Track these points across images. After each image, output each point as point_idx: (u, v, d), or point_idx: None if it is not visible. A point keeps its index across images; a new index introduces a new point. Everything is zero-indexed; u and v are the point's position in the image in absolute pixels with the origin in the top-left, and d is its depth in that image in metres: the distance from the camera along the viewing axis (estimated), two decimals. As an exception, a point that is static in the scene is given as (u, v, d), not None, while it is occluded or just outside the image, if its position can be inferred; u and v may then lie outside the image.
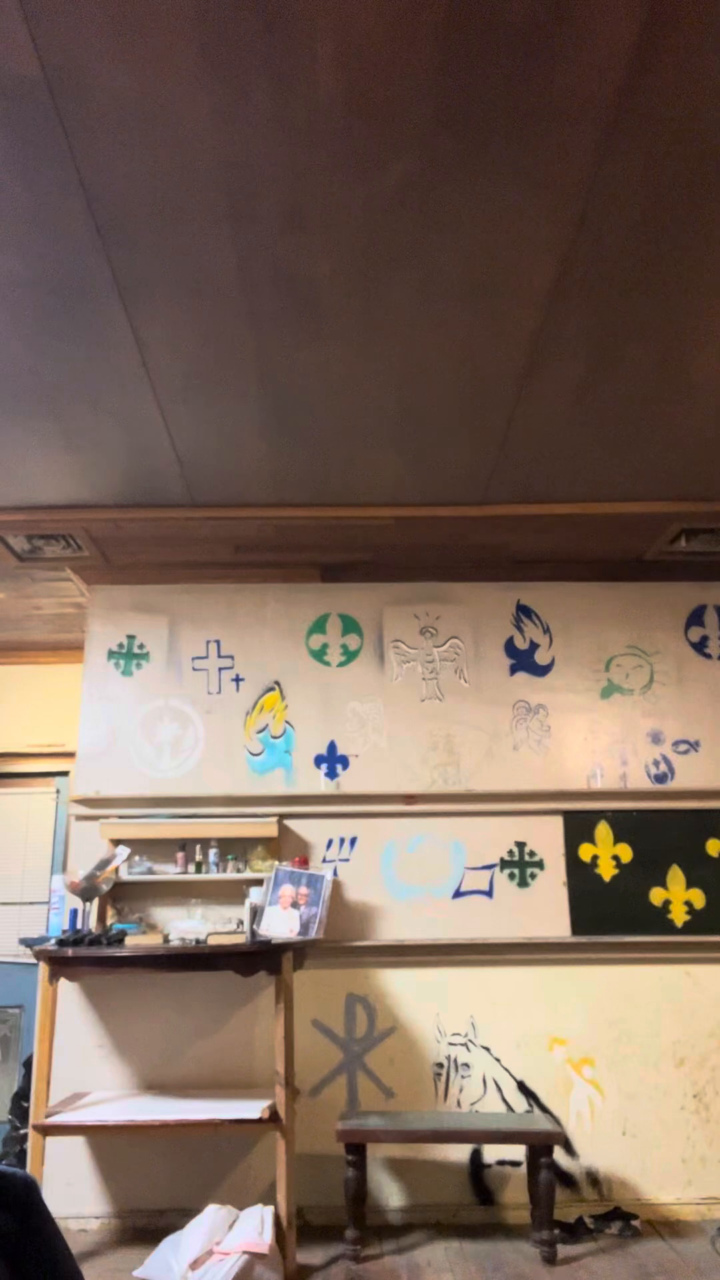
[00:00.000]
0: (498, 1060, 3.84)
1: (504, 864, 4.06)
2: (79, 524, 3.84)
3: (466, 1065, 3.84)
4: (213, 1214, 3.19)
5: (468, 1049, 3.85)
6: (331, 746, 4.21)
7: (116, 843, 3.91)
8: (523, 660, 4.35)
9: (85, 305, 2.55)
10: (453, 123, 1.99)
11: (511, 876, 4.04)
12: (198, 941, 3.50)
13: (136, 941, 3.49)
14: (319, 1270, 3.21)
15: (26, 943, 3.62)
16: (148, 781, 4.15)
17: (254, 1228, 3.11)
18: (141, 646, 4.34)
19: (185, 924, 3.69)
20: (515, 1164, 3.72)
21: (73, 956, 3.37)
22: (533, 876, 4.04)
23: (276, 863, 3.88)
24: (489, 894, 4.02)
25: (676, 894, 4.02)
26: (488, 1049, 3.85)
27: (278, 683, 4.30)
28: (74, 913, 3.79)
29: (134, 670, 4.30)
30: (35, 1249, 1.23)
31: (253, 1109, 3.31)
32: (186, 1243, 3.06)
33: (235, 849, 4.00)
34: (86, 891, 3.72)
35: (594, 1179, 3.73)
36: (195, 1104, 3.44)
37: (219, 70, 1.86)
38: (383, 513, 3.82)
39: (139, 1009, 3.84)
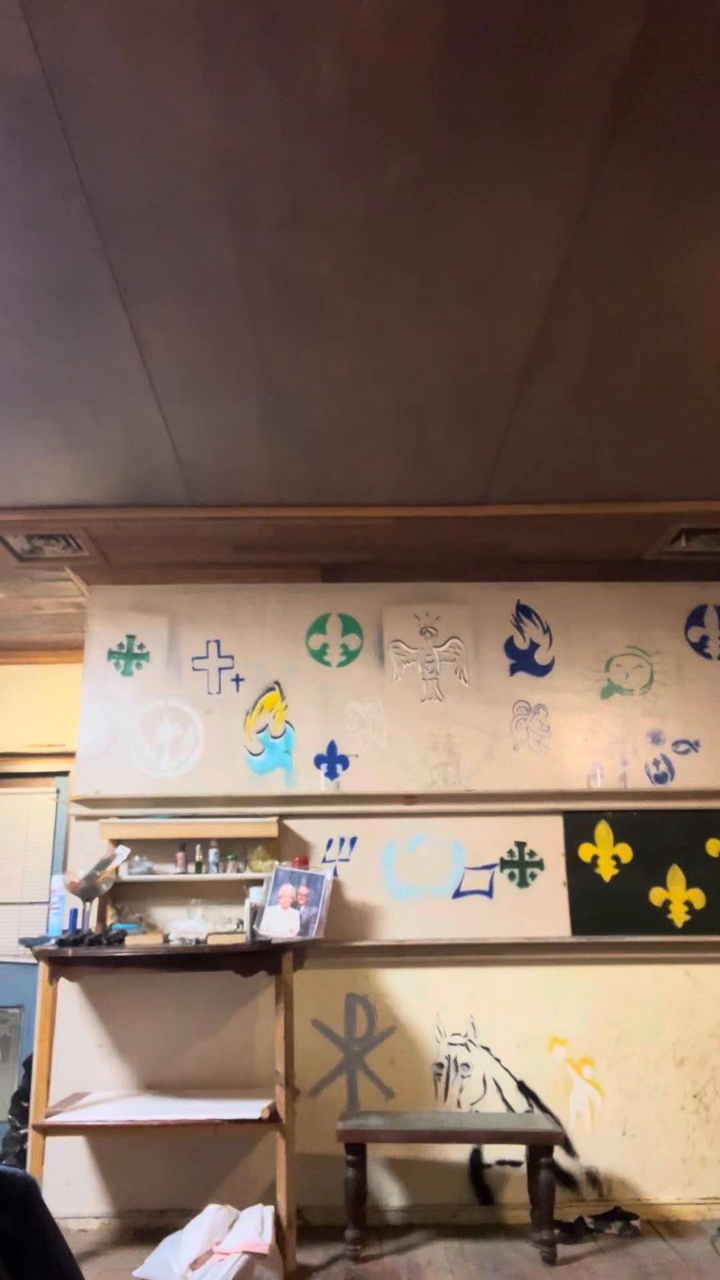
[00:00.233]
0: (498, 1060, 3.84)
1: (504, 864, 4.06)
2: (79, 524, 3.84)
3: (466, 1065, 3.84)
4: (213, 1214, 3.19)
5: (468, 1049, 3.85)
6: (331, 746, 4.21)
7: (116, 843, 3.91)
8: (523, 660, 4.35)
9: (85, 306, 2.55)
10: (453, 123, 1.99)
11: (511, 876, 4.04)
12: (198, 941, 3.50)
13: (136, 941, 3.49)
14: (319, 1270, 3.21)
15: (26, 943, 3.62)
16: (148, 781, 4.15)
17: (254, 1228, 3.11)
18: (141, 646, 4.34)
19: (185, 924, 3.69)
20: (515, 1164, 3.72)
21: (73, 956, 3.37)
22: (533, 876, 4.04)
23: (276, 863, 3.88)
24: (489, 894, 4.02)
25: (676, 894, 4.02)
26: (488, 1049, 3.85)
27: (278, 683, 4.30)
28: (74, 913, 3.79)
29: (134, 670, 4.30)
30: (35, 1249, 1.23)
31: (253, 1109, 3.31)
32: (186, 1243, 3.06)
33: (235, 849, 4.00)
34: (86, 891, 3.72)
35: (594, 1179, 3.73)
36: (195, 1104, 3.44)
37: (219, 70, 1.86)
38: (383, 513, 3.82)
39: (139, 1009, 3.84)
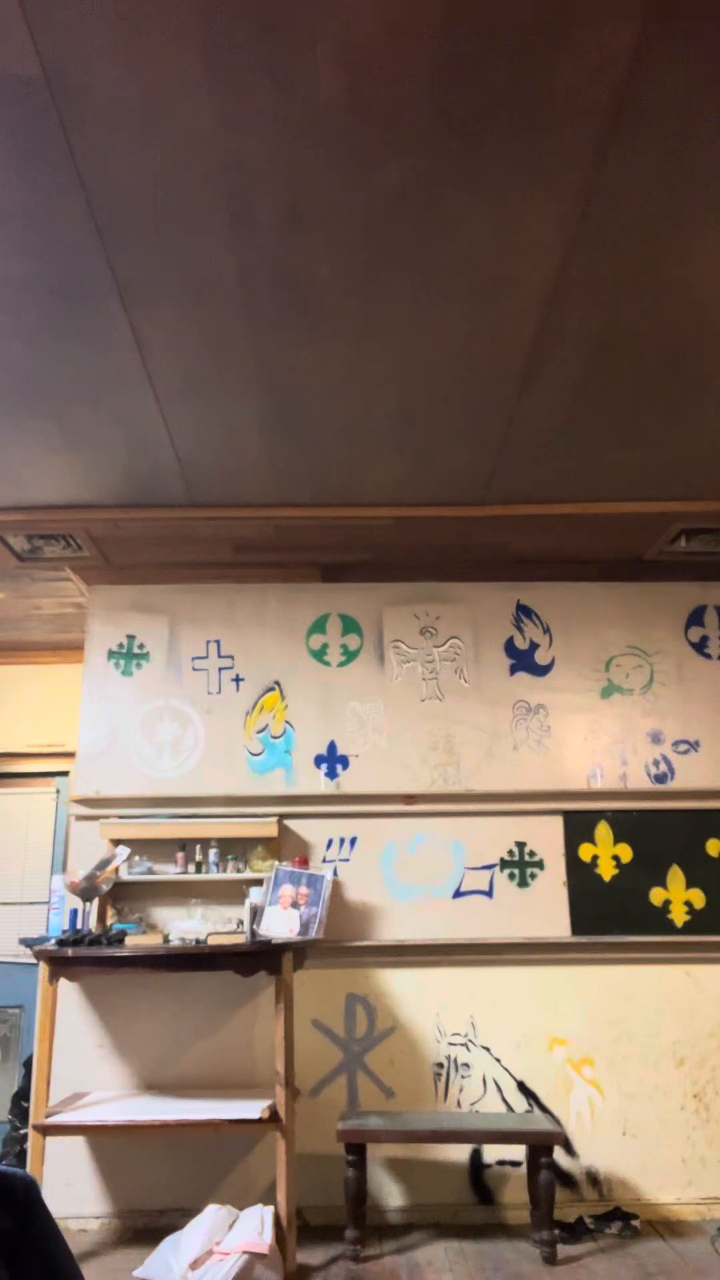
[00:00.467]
0: (498, 1060, 3.84)
1: (504, 864, 4.06)
2: (79, 524, 3.84)
3: (466, 1065, 3.84)
4: (213, 1214, 3.19)
5: (468, 1049, 3.85)
6: (331, 746, 4.21)
7: (116, 843, 3.91)
8: (523, 660, 4.35)
9: (85, 305, 2.55)
10: (453, 123, 1.99)
11: (511, 876, 4.04)
12: (198, 941, 3.50)
13: (136, 941, 3.49)
14: (319, 1270, 3.21)
15: (26, 943, 3.62)
16: (148, 781, 4.15)
17: (254, 1228, 3.11)
18: (141, 646, 4.34)
19: (185, 924, 3.69)
20: (515, 1164, 3.72)
21: (73, 956, 3.37)
22: (533, 876, 4.04)
23: (276, 863, 3.88)
24: (489, 894, 4.02)
25: (676, 894, 4.02)
26: (488, 1049, 3.85)
27: (278, 683, 4.30)
28: (74, 913, 3.79)
29: (134, 670, 4.30)
30: (35, 1250, 1.23)
31: (253, 1109, 3.31)
32: (186, 1243, 3.06)
33: (235, 849, 4.00)
34: (86, 891, 3.72)
35: (594, 1179, 3.73)
36: (195, 1104, 3.44)
37: (219, 70, 1.86)
38: (383, 513, 3.82)
39: (139, 1009, 3.84)
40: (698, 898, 4.01)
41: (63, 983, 3.62)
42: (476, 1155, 3.74)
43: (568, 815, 4.12)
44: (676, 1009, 3.90)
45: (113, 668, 4.30)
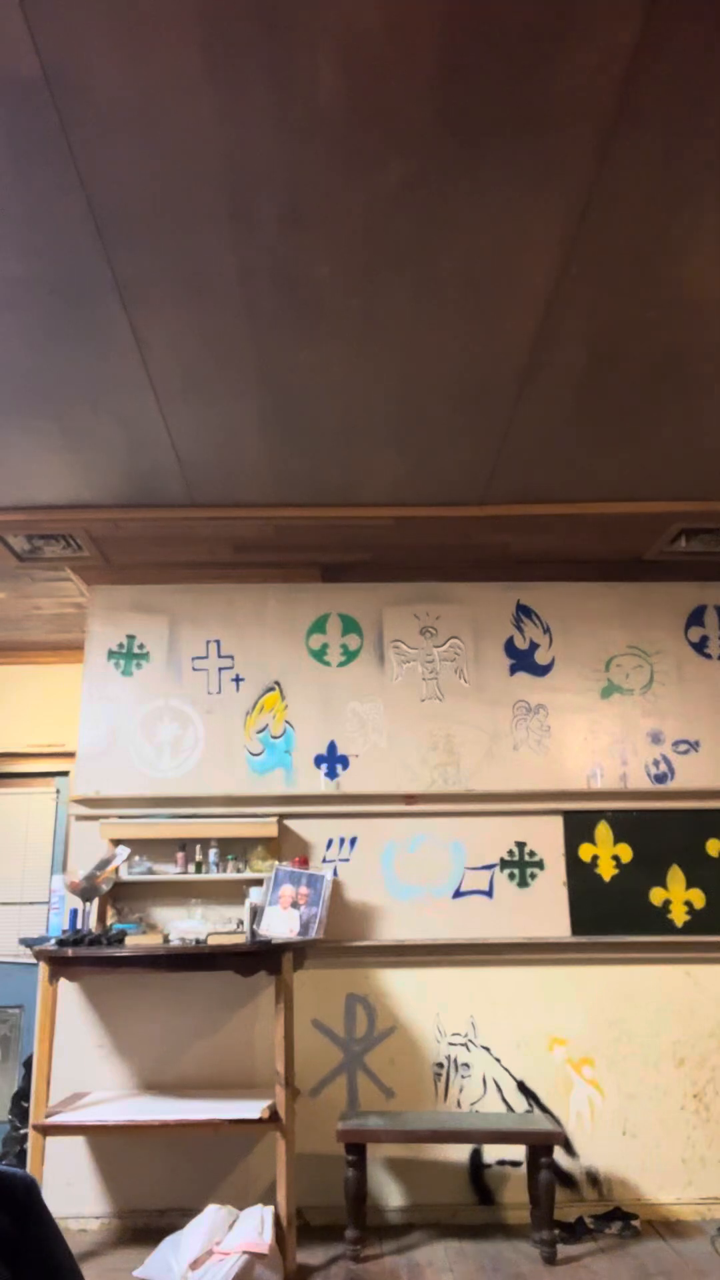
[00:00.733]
0: (498, 1060, 3.84)
1: (504, 864, 4.06)
2: (79, 524, 3.84)
3: (466, 1065, 3.84)
4: (213, 1214, 3.19)
5: (468, 1049, 3.85)
6: (331, 746, 4.21)
7: (116, 843, 3.91)
8: (523, 660, 4.35)
9: (85, 305, 2.55)
10: (453, 123, 1.99)
11: (511, 876, 4.04)
12: (198, 941, 3.50)
13: (136, 941, 3.49)
14: (319, 1270, 3.21)
15: (26, 943, 3.62)
16: (148, 781, 4.15)
17: (254, 1228, 3.11)
18: (141, 646, 4.34)
19: (185, 924, 3.69)
20: (515, 1164, 3.72)
21: (73, 956, 3.37)
22: (533, 876, 4.04)
23: (276, 863, 3.88)
24: (489, 894, 4.02)
25: (676, 894, 4.02)
26: (488, 1049, 3.85)
27: (278, 683, 4.30)
28: (74, 913, 3.79)
29: (134, 670, 4.30)
30: (35, 1250, 1.22)
31: (253, 1109, 3.31)
32: (186, 1243, 3.06)
33: (235, 849, 4.00)
34: (86, 891, 3.72)
35: (594, 1179, 3.73)
36: (195, 1104, 3.44)
37: (219, 70, 1.86)
38: (383, 513, 3.82)
39: (139, 1009, 3.84)
40: (698, 898, 4.01)
41: (63, 983, 3.62)
42: (476, 1155, 3.74)
43: (568, 815, 4.12)
44: (676, 1009, 3.90)
45: (113, 668, 4.30)
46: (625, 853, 4.07)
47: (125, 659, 4.32)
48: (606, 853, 4.07)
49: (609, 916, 3.98)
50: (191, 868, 3.96)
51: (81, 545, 4.02)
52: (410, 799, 4.13)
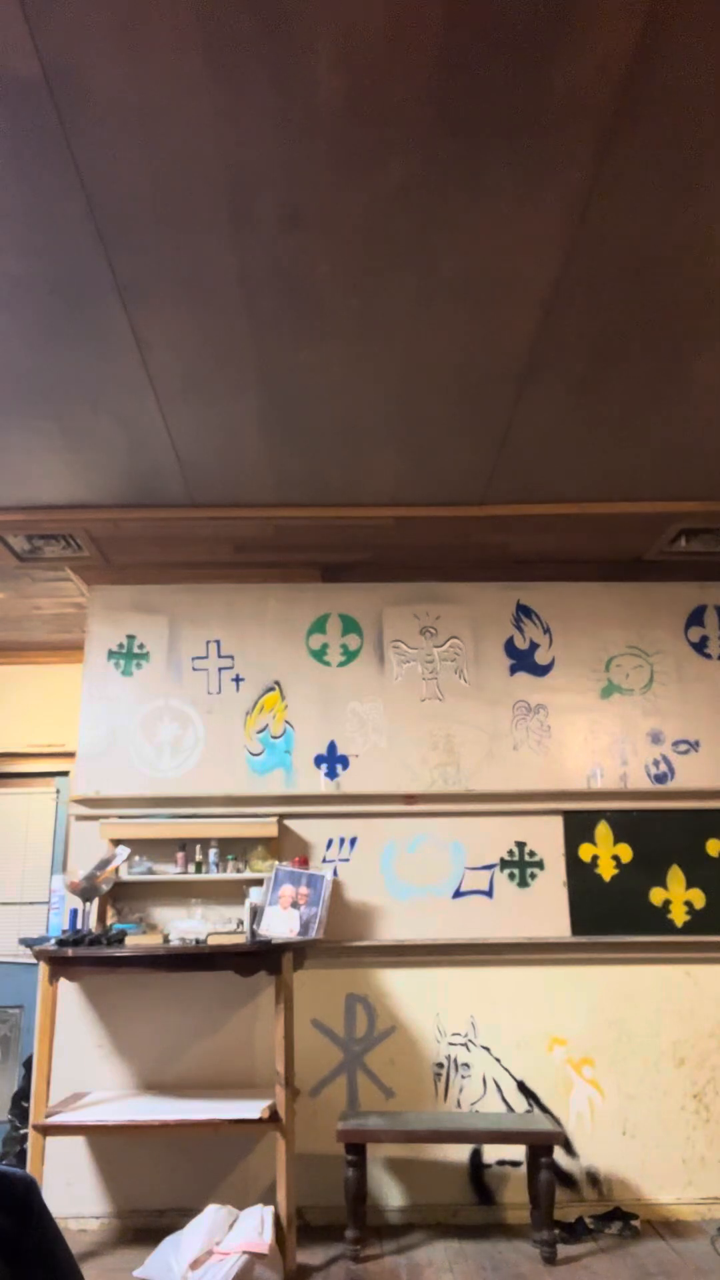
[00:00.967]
0: (498, 1060, 3.84)
1: (504, 864, 4.06)
2: (79, 524, 3.84)
3: (466, 1065, 3.84)
4: (213, 1214, 3.19)
5: (468, 1049, 3.85)
6: (331, 746, 4.21)
7: (116, 843, 3.91)
8: (523, 660, 4.35)
9: (85, 306, 2.55)
10: (453, 123, 1.99)
11: (511, 876, 4.04)
12: (198, 941, 3.50)
13: (136, 941, 3.49)
14: (319, 1270, 3.21)
15: (26, 943, 3.62)
16: (148, 781, 4.15)
17: (254, 1228, 3.11)
18: (141, 646, 4.34)
19: (185, 924, 3.69)
20: (515, 1164, 3.72)
21: (73, 956, 3.37)
22: (533, 876, 4.04)
23: (276, 863, 3.88)
24: (489, 894, 4.02)
25: (676, 894, 4.02)
26: (488, 1049, 3.85)
27: (278, 683, 4.30)
28: (74, 913, 3.79)
29: (134, 670, 4.30)
30: (35, 1250, 1.22)
31: (253, 1109, 3.31)
32: (186, 1243, 3.06)
33: (235, 849, 4.00)
34: (86, 891, 3.72)
35: (594, 1179, 3.73)
36: (195, 1104, 3.44)
37: (219, 70, 1.86)
38: (383, 513, 3.82)
39: (139, 1009, 3.84)
40: (698, 898, 4.01)
41: (63, 983, 3.62)
42: (476, 1155, 3.74)
43: (568, 815, 4.12)
44: (676, 1009, 3.90)
45: (113, 668, 4.30)
46: (625, 853, 4.07)
47: (125, 659, 4.32)
48: (606, 853, 4.07)
49: (609, 916, 3.98)
50: (191, 868, 3.96)
51: (81, 545, 4.02)
52: (410, 799, 4.13)
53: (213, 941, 3.48)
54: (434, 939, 3.95)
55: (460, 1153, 3.73)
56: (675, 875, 4.04)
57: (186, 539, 4.04)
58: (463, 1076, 3.83)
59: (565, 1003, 3.90)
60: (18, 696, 5.47)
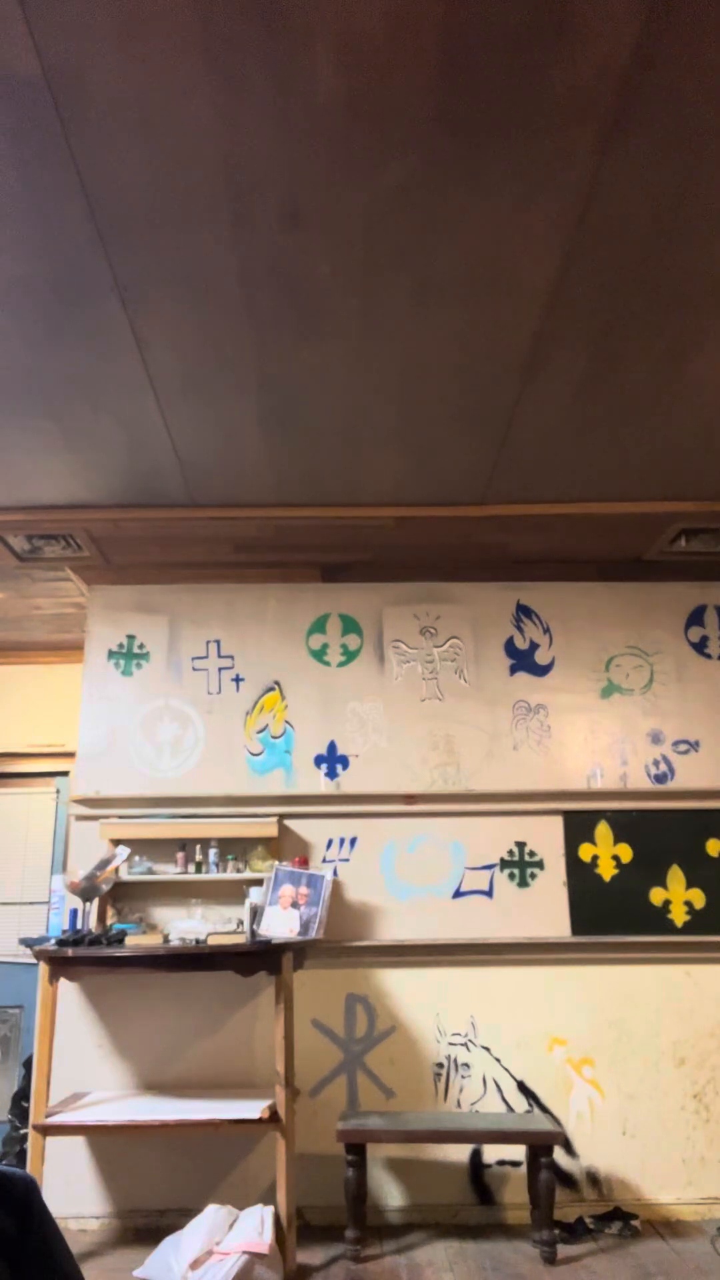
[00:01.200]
0: (498, 1060, 3.84)
1: (504, 864, 4.06)
2: (79, 524, 3.84)
3: (466, 1065, 3.84)
4: (213, 1214, 3.19)
5: (468, 1049, 3.85)
6: (331, 746, 4.21)
7: (116, 843, 3.91)
8: (523, 660, 4.35)
9: (85, 305, 2.55)
10: (453, 123, 1.99)
11: (511, 876, 4.04)
12: (198, 941, 3.50)
13: (136, 941, 3.49)
14: (319, 1270, 3.21)
15: (26, 943, 3.62)
16: (148, 781, 4.15)
17: (254, 1228, 3.11)
18: (141, 646, 4.34)
19: (185, 924, 3.69)
20: (515, 1164, 3.72)
21: (73, 956, 3.37)
22: (533, 876, 4.04)
23: (276, 863, 3.88)
24: (489, 894, 4.02)
25: (676, 894, 4.02)
26: (488, 1049, 3.85)
27: (278, 683, 4.30)
28: (74, 913, 3.79)
29: (134, 670, 4.30)
30: (35, 1250, 1.23)
31: (253, 1109, 3.31)
32: (186, 1243, 3.06)
33: (235, 849, 4.00)
34: (86, 891, 3.72)
35: (594, 1179, 3.73)
36: (195, 1104, 3.44)
37: (219, 70, 1.86)
38: (383, 513, 3.82)
39: (139, 1009, 3.84)
40: (698, 898, 4.01)
41: (63, 983, 3.62)
42: (476, 1155, 3.74)
43: (568, 815, 4.12)
44: (676, 1009, 3.90)
45: (113, 668, 4.30)
46: (625, 853, 4.07)
47: (125, 659, 4.32)
48: (606, 853, 4.08)
49: (609, 916, 3.98)
50: (191, 868, 3.96)
51: (81, 545, 4.02)
52: (410, 799, 4.14)
53: (213, 941, 3.48)
54: (434, 939, 3.95)
55: (460, 1153, 3.73)
56: (675, 875, 4.04)
57: (186, 539, 4.04)
58: (463, 1076, 3.83)
59: (565, 1003, 3.90)
60: (18, 696, 5.47)
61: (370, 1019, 3.88)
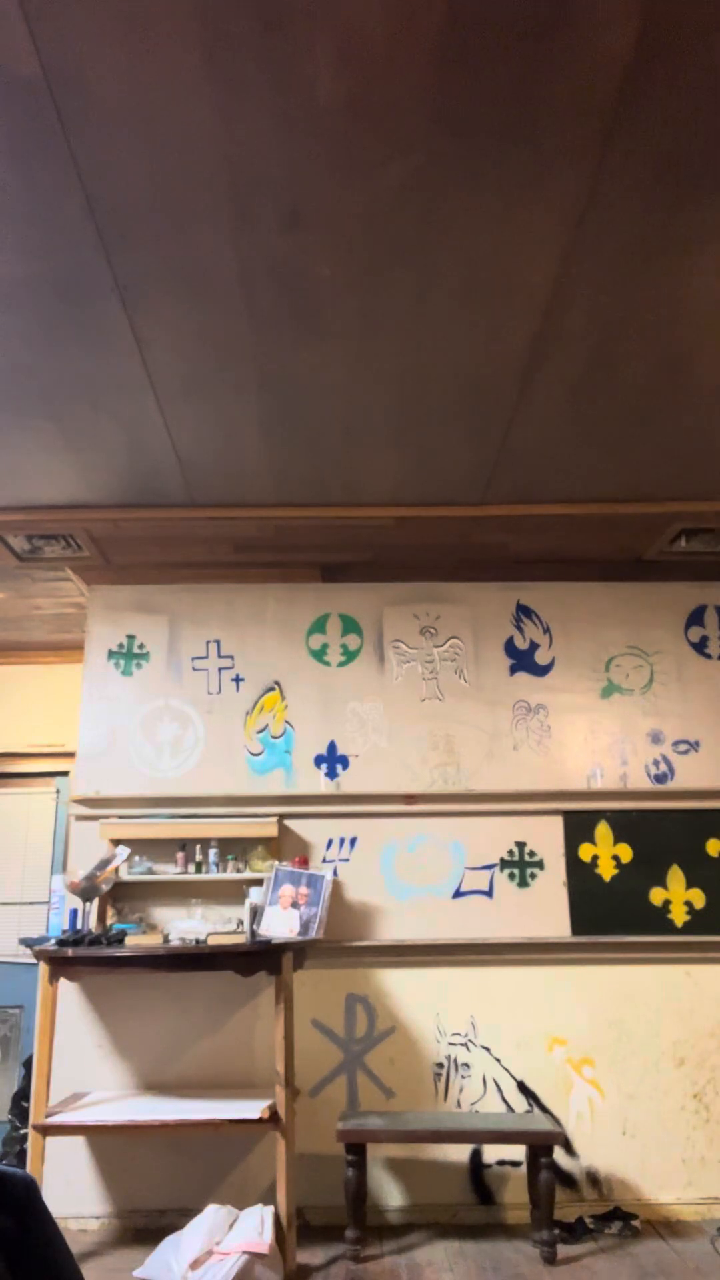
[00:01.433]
0: (498, 1060, 3.84)
1: (504, 864, 4.06)
2: (79, 524, 3.84)
3: (466, 1065, 3.84)
4: (213, 1214, 3.19)
5: (468, 1049, 3.85)
6: (331, 746, 4.21)
7: (116, 843, 3.91)
8: (523, 660, 4.35)
9: (85, 305, 2.55)
10: (453, 123, 1.99)
11: (511, 876, 4.04)
12: (198, 941, 3.50)
13: (136, 941, 3.49)
14: (319, 1270, 3.21)
15: (26, 943, 3.62)
16: (148, 781, 4.15)
17: (254, 1228, 3.11)
18: (141, 646, 4.34)
19: (185, 924, 3.69)
20: (515, 1164, 3.72)
21: (73, 956, 3.37)
22: (533, 876, 4.04)
23: (276, 863, 3.88)
24: (489, 894, 4.02)
25: (676, 894, 4.02)
26: (488, 1049, 3.85)
27: (278, 683, 4.30)
28: (74, 913, 3.79)
29: (134, 670, 4.30)
30: (35, 1250, 1.23)
31: (253, 1109, 3.31)
32: (186, 1243, 3.06)
33: (235, 849, 4.00)
34: (86, 891, 3.72)
35: (594, 1179, 3.73)
36: (195, 1104, 3.44)
37: (219, 70, 1.86)
38: (383, 513, 3.82)
39: (139, 1009, 3.84)
40: (698, 898, 4.01)
41: (63, 983, 3.62)
42: (476, 1155, 3.74)
43: (568, 815, 4.12)
44: (676, 1009, 3.90)
45: (113, 668, 4.30)
46: (625, 853, 4.07)
47: (125, 659, 4.32)
48: (606, 853, 4.08)
49: (609, 916, 3.98)
50: (191, 868, 3.96)
51: (81, 545, 4.02)
52: (410, 799, 4.13)
53: (213, 941, 3.48)
54: (434, 939, 3.95)
55: (460, 1153, 3.73)
56: (675, 875, 4.04)
57: (186, 539, 4.04)
58: (463, 1076, 3.83)
59: (565, 1003, 3.90)
60: (18, 696, 5.47)
61: (370, 1019, 3.88)
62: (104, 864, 3.78)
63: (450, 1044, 3.86)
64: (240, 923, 3.83)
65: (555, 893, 4.02)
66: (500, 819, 4.11)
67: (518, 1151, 3.71)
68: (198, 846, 3.99)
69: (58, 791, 5.35)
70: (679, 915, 3.99)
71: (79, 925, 3.75)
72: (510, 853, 4.07)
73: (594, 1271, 3.18)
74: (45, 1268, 1.23)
